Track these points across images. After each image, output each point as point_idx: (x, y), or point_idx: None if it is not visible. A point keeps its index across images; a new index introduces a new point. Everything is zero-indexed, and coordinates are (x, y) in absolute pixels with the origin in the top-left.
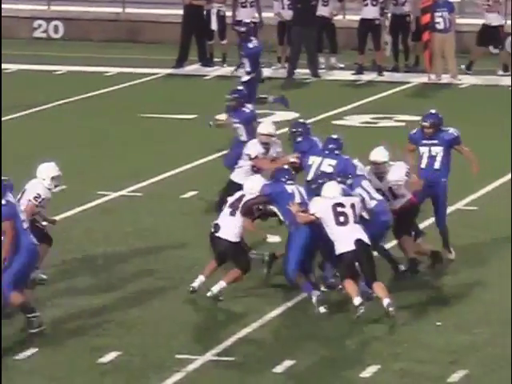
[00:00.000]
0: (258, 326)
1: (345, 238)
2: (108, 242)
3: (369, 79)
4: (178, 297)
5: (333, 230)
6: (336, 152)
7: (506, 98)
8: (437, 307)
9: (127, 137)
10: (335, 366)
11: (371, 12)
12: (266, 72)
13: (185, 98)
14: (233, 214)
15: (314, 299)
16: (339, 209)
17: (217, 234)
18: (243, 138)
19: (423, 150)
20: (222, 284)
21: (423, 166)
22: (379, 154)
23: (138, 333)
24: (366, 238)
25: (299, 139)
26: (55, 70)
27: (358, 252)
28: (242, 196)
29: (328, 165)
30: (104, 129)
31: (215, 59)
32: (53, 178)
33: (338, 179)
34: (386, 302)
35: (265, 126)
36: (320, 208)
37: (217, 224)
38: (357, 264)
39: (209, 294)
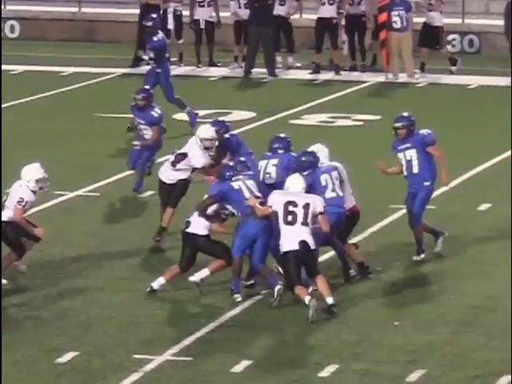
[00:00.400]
0: (216, 325)
1: (290, 237)
2: (65, 242)
3: (326, 78)
4: (135, 296)
5: (281, 227)
6: (280, 151)
7: (466, 96)
8: (395, 307)
9: (83, 137)
10: (294, 366)
11: (328, 11)
12: (223, 71)
13: None
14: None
15: (277, 289)
16: (290, 207)
17: (187, 230)
18: (148, 138)
19: (400, 156)
20: (205, 272)
21: (404, 172)
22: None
23: (95, 333)
24: (311, 242)
25: (226, 136)
26: (11, 70)
27: (302, 253)
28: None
29: (272, 165)
30: (60, 129)
31: (172, 58)
32: (37, 181)
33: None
34: (329, 300)
35: (205, 131)
36: (274, 202)
37: (188, 221)
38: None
39: (191, 278)
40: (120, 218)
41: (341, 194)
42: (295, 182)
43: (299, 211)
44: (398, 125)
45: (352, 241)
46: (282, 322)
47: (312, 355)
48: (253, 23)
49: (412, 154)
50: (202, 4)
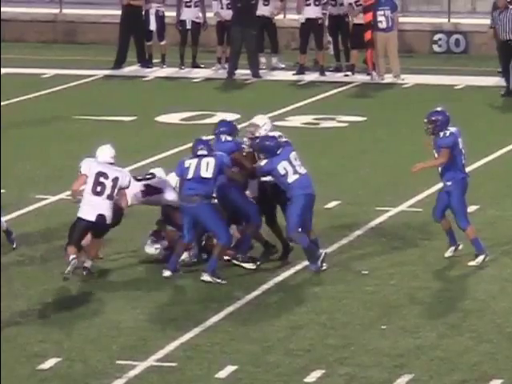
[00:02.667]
0: (200, 330)
1: (90, 207)
2: (46, 247)
3: (311, 79)
4: (118, 301)
5: (85, 196)
6: (223, 137)
7: (453, 96)
8: (382, 311)
9: (64, 140)
10: (279, 372)
11: (314, 11)
12: (207, 73)
13: (123, 100)
14: None
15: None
16: (101, 179)
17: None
18: None
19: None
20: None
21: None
22: None
23: (77, 338)
24: (108, 216)
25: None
26: None
27: (95, 226)
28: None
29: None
30: (41, 131)
31: (154, 60)
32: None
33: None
34: (88, 263)
35: None
36: (88, 170)
37: None
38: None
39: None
40: None
41: (303, 171)
42: (104, 153)
43: (108, 183)
44: (425, 120)
45: (338, 244)
46: (267, 327)
47: (297, 360)
48: (236, 24)
49: (434, 153)
50: (188, 4)
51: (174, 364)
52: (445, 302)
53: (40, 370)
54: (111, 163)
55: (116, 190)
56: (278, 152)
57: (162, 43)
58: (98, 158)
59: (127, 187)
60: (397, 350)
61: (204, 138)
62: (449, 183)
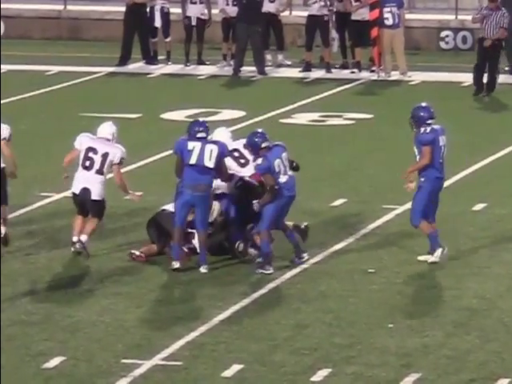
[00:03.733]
0: (206, 329)
1: (78, 181)
2: (51, 245)
3: (317, 76)
4: (123, 300)
5: (78, 170)
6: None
7: (460, 94)
8: (389, 309)
9: (69, 137)
10: (285, 370)
11: (319, 8)
12: (212, 70)
13: (129, 97)
14: None
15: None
16: (90, 154)
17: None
18: None
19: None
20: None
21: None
22: None
23: (82, 337)
24: (95, 192)
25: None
26: None
27: (81, 198)
28: None
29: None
30: (45, 129)
31: (159, 57)
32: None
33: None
34: (83, 238)
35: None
36: (79, 144)
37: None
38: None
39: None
40: (108, 220)
41: (291, 173)
42: (104, 128)
43: (97, 159)
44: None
45: (345, 242)
46: (273, 326)
47: (304, 359)
48: (241, 21)
49: (415, 149)
50: (193, 1)
51: (179, 363)
52: (452, 301)
53: (45, 369)
54: (108, 139)
55: (106, 165)
56: (263, 145)
57: (167, 40)
58: (97, 134)
59: (118, 163)
60: (404, 349)
61: (201, 119)
62: (422, 179)
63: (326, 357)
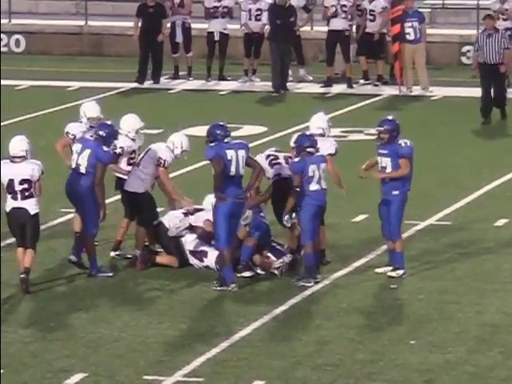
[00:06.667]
0: (227, 345)
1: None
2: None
3: (338, 92)
4: (145, 316)
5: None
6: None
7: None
8: (411, 326)
9: None
10: None
11: (340, 23)
12: (233, 85)
13: (150, 112)
14: None
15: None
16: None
17: None
18: None
19: (378, 160)
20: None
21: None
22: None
23: (104, 353)
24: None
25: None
26: (17, 85)
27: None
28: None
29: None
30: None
31: (180, 73)
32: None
33: None
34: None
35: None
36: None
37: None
38: None
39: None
40: (128, 236)
41: (324, 186)
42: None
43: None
44: (381, 129)
45: (366, 258)
46: (295, 342)
47: (325, 375)
48: (274, 40)
49: (387, 161)
50: (215, 15)
51: (201, 379)
52: (474, 317)
53: None
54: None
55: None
56: (308, 150)
57: (189, 55)
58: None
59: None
60: (426, 366)
61: (220, 123)
62: (395, 192)
63: (348, 373)
